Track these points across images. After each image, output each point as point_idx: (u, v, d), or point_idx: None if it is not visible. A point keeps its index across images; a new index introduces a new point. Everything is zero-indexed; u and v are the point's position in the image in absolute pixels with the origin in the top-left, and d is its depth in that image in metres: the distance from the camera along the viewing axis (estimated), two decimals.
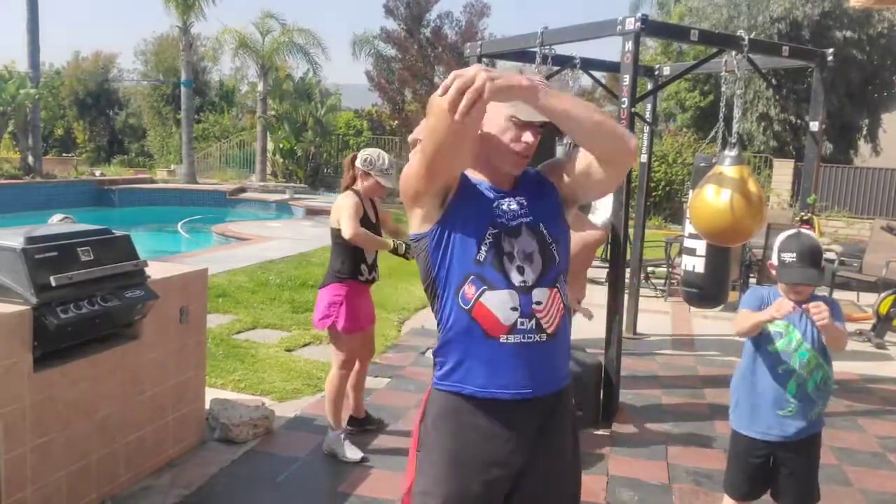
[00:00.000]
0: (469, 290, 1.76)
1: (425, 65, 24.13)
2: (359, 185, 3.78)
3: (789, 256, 2.53)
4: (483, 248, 1.77)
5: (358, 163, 3.80)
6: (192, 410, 3.74)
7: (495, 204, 1.82)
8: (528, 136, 1.79)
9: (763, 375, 2.62)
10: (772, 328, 2.59)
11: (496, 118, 1.79)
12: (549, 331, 1.79)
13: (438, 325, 1.86)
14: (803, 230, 2.63)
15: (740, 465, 2.73)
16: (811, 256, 2.51)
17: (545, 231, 1.84)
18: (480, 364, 1.77)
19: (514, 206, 1.83)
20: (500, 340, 1.76)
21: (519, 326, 1.76)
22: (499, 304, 1.76)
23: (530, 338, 1.77)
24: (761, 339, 2.62)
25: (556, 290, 1.82)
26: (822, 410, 2.63)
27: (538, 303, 1.78)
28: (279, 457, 3.76)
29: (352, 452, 3.74)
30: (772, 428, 2.60)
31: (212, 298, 6.31)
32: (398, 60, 24.44)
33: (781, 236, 2.61)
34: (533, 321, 1.77)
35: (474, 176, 1.87)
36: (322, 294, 3.80)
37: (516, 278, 1.77)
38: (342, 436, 3.80)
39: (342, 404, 3.84)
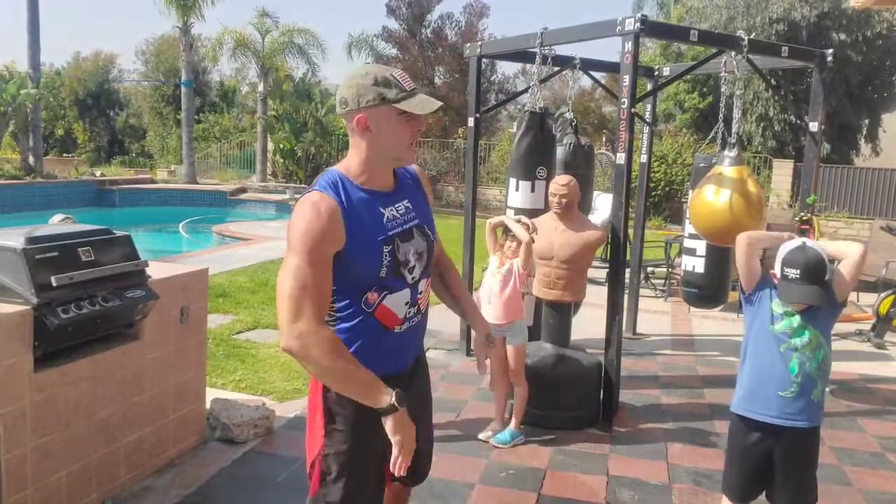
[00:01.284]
0: (372, 296, 1.94)
1: (426, 65, 24.15)
2: None
3: (793, 272, 2.51)
4: (384, 266, 1.92)
5: None
6: (192, 410, 3.75)
7: (385, 218, 1.94)
8: (418, 126, 1.93)
9: (765, 355, 2.62)
10: (776, 309, 2.59)
11: (390, 126, 1.89)
12: (422, 311, 2.09)
13: (335, 314, 1.96)
14: (808, 242, 2.59)
15: (738, 461, 2.73)
16: (815, 272, 2.49)
17: (429, 231, 2.08)
18: (376, 352, 1.96)
19: (402, 211, 1.99)
20: (395, 331, 2.00)
21: (408, 316, 2.02)
22: (397, 303, 1.98)
23: (413, 321, 2.05)
24: (763, 321, 2.63)
25: (429, 277, 2.10)
26: (822, 393, 2.61)
27: (421, 292, 2.06)
28: (280, 457, 3.76)
29: None
30: (772, 409, 2.59)
31: (212, 298, 6.31)
32: (399, 60, 24.47)
33: (786, 247, 2.59)
34: (416, 307, 2.05)
35: (360, 185, 1.93)
36: None
37: (409, 277, 1.99)
38: None
39: None
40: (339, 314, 1.95)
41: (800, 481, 2.65)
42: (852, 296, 8.16)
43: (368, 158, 1.92)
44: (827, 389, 2.67)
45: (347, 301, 1.93)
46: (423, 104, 1.88)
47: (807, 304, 2.53)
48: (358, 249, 1.87)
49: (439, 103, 1.89)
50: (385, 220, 1.93)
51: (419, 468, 2.19)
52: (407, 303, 1.99)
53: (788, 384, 2.57)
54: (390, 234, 1.93)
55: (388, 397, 1.80)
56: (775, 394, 2.59)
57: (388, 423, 1.83)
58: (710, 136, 5.64)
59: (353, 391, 1.85)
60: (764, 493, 2.75)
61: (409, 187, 2.06)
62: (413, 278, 1.99)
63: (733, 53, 4.89)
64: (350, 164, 1.95)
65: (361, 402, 1.84)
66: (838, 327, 6.59)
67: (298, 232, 1.81)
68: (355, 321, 1.94)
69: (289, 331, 1.78)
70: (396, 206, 1.98)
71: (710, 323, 7.25)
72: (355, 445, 1.97)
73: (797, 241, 2.63)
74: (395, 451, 1.85)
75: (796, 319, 2.57)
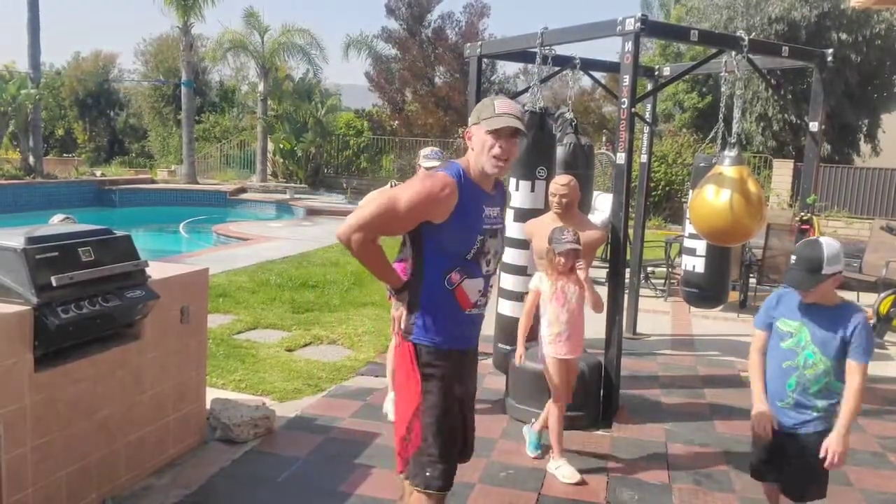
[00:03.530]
0: (455, 276, 2.41)
1: (426, 65, 24.14)
2: None
3: (792, 259, 2.70)
4: (473, 249, 2.41)
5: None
6: (192, 410, 3.75)
7: (484, 213, 2.44)
8: (501, 143, 2.37)
9: (771, 366, 2.76)
10: (783, 327, 2.73)
11: (479, 140, 2.40)
12: (486, 304, 2.56)
13: (420, 290, 2.44)
14: (822, 238, 2.72)
15: (754, 446, 2.91)
16: (806, 262, 2.62)
17: (503, 236, 2.60)
18: (449, 325, 2.46)
19: (494, 214, 2.50)
20: (466, 312, 2.48)
21: (478, 303, 2.50)
22: (473, 288, 2.46)
23: (479, 310, 2.53)
24: (774, 336, 2.78)
25: (495, 275, 2.58)
26: (826, 412, 2.68)
27: (490, 286, 2.55)
28: (280, 457, 3.76)
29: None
30: (775, 415, 2.73)
31: (212, 298, 6.32)
32: (398, 60, 24.46)
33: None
34: (484, 298, 2.53)
35: (474, 181, 2.43)
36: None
37: (485, 269, 2.48)
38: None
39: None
40: (424, 287, 2.42)
41: (799, 473, 2.76)
42: (852, 296, 8.15)
43: (472, 162, 2.43)
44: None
45: (434, 276, 2.40)
46: (493, 122, 2.36)
47: (791, 287, 2.68)
48: (459, 226, 2.36)
49: (511, 123, 2.35)
50: (484, 215, 2.44)
51: (469, 442, 2.67)
52: (479, 290, 2.47)
53: (785, 396, 2.72)
54: (484, 227, 2.43)
55: (401, 282, 2.50)
56: (775, 403, 2.75)
57: (398, 297, 2.49)
58: (710, 136, 5.65)
59: (382, 273, 2.49)
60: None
61: (501, 199, 2.58)
62: (487, 271, 2.48)
63: (733, 53, 4.89)
64: (468, 163, 2.45)
65: (386, 281, 2.53)
66: None
67: (415, 188, 2.34)
68: (436, 296, 2.41)
69: (355, 230, 2.32)
70: (493, 208, 2.49)
71: (710, 323, 7.25)
72: (444, 400, 2.44)
73: (813, 238, 2.82)
74: (396, 317, 2.53)
75: (803, 341, 2.68)
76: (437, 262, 2.40)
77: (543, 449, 3.94)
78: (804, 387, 2.67)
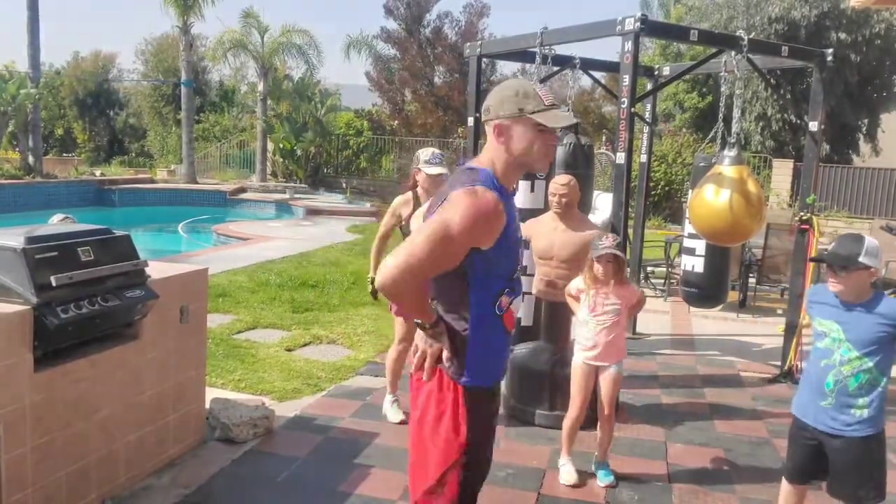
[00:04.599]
0: (505, 300, 2.07)
1: (425, 65, 24.13)
2: (419, 187, 4.14)
3: (833, 244, 2.76)
4: (518, 266, 2.10)
5: (413, 165, 4.22)
6: (192, 410, 3.75)
7: (516, 220, 2.10)
8: (553, 140, 2.06)
9: (812, 366, 2.80)
10: (819, 326, 2.78)
11: (524, 135, 2.01)
12: None
13: (468, 325, 2.06)
14: (866, 236, 2.76)
15: (791, 444, 2.91)
16: (845, 247, 2.68)
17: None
18: (497, 357, 2.15)
19: (516, 216, 2.12)
20: (511, 332, 2.16)
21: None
22: (517, 305, 2.14)
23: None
24: (815, 335, 2.82)
25: None
26: (869, 412, 2.67)
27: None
28: (279, 456, 3.76)
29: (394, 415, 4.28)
30: (815, 415, 2.76)
31: (212, 298, 6.32)
32: (398, 60, 24.45)
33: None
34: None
35: (506, 186, 2.07)
36: None
37: (521, 281, 2.15)
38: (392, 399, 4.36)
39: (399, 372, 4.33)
40: (476, 320, 2.05)
41: (847, 481, 2.73)
42: None
43: (506, 162, 2.04)
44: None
45: (486, 306, 2.04)
46: (556, 118, 2.01)
47: (826, 261, 2.71)
48: (506, 247, 2.02)
49: (573, 119, 2.04)
50: (516, 221, 2.11)
51: None
52: (519, 306, 2.18)
53: (824, 397, 2.73)
54: (518, 235, 2.12)
55: (434, 316, 2.07)
56: (817, 404, 2.75)
57: (422, 333, 2.08)
58: (709, 136, 5.65)
59: (419, 311, 2.06)
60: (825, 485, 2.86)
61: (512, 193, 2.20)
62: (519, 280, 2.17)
63: (733, 53, 4.89)
64: (494, 165, 2.06)
65: (419, 318, 2.06)
66: None
67: (464, 210, 1.91)
68: (489, 325, 2.07)
69: (408, 277, 1.92)
70: (515, 211, 2.13)
71: (710, 322, 7.25)
72: (486, 450, 2.19)
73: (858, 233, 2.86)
74: (418, 354, 2.11)
75: (837, 339, 2.70)
76: (488, 289, 2.03)
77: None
78: (843, 384, 2.67)
